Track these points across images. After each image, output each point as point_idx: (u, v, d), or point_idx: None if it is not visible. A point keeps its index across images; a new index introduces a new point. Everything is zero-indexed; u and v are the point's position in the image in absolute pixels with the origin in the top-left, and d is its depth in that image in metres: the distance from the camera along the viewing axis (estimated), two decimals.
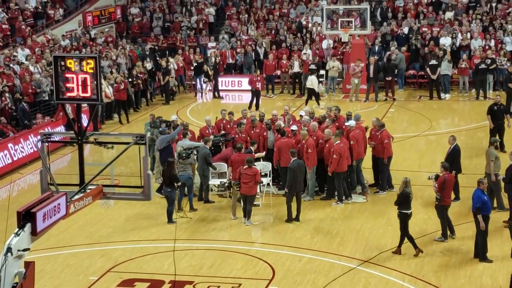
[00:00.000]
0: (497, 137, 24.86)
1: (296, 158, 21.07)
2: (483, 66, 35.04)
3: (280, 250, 18.81)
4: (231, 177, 21.13)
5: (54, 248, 19.15)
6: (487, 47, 37.70)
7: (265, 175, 22.29)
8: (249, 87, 35.69)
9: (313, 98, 34.97)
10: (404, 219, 18.15)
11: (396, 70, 36.84)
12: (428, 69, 35.86)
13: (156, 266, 18.07)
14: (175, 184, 20.52)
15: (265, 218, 21.09)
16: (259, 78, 35.32)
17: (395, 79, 37.02)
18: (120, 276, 17.53)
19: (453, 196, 20.15)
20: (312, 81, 34.84)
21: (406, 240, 18.30)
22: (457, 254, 18.16)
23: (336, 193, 22.03)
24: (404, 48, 38.17)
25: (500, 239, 18.15)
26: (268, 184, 22.41)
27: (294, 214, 20.73)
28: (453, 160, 21.33)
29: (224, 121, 24.92)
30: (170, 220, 20.75)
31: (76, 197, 12.06)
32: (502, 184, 20.43)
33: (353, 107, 33.87)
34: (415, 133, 29.48)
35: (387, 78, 36.18)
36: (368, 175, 23.43)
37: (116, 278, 17.45)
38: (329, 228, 20.30)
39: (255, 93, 35.02)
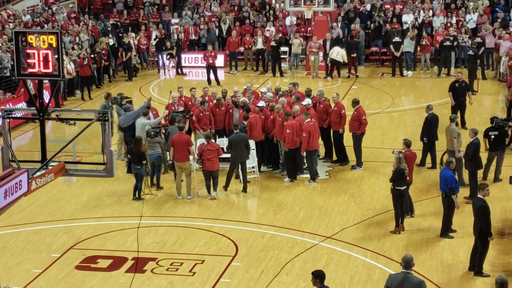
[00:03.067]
0: (458, 114, 25.06)
1: (238, 131, 21.29)
2: (448, 43, 35.21)
3: (243, 227, 18.87)
4: (173, 158, 20.88)
5: (16, 225, 19.05)
6: (449, 25, 37.93)
7: None
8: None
9: (335, 69, 35.80)
10: (397, 195, 18.15)
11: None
12: (391, 46, 36.00)
13: (119, 243, 18.04)
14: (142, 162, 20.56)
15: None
16: (213, 54, 35.27)
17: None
18: (83, 253, 17.48)
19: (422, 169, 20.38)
20: (339, 53, 35.14)
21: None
22: (418, 230, 18.33)
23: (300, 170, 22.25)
24: (353, 25, 38.11)
25: (461, 215, 18.34)
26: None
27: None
28: (429, 128, 22.19)
29: (183, 98, 24.65)
30: (138, 197, 20.72)
31: (38, 173, 11.99)
32: (463, 160, 20.64)
33: (315, 84, 33.93)
34: (378, 110, 29.63)
35: (351, 55, 36.32)
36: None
37: (79, 255, 17.40)
38: (292, 204, 20.38)
39: (210, 68, 35.03)
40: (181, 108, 23.64)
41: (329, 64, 35.83)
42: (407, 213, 18.87)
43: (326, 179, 22.14)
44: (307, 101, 22.65)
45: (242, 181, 21.35)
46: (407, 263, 12.67)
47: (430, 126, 22.39)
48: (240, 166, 21.37)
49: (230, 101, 23.78)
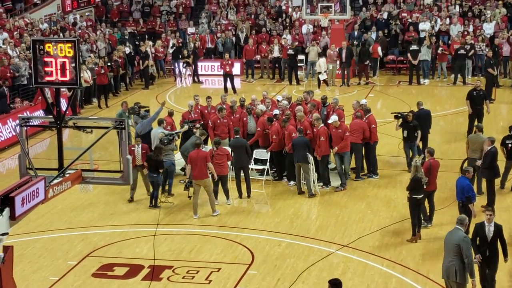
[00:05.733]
0: (475, 123, 24.97)
1: (239, 136, 21.66)
2: (462, 51, 35.18)
3: (259, 235, 18.85)
4: (190, 176, 20.51)
5: (33, 232, 19.10)
6: (465, 33, 37.85)
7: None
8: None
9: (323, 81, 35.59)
10: (414, 204, 18.08)
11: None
12: (409, 54, 35.96)
13: (135, 251, 18.06)
14: (160, 170, 20.58)
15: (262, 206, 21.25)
16: (229, 62, 35.39)
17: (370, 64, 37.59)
18: (100, 261, 17.51)
19: None
20: (319, 65, 35.10)
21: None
22: (436, 239, 18.23)
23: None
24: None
25: None
26: (266, 171, 22.67)
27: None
28: (418, 122, 22.91)
29: (199, 106, 24.61)
30: (155, 204, 20.74)
31: (55, 181, 12.02)
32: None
33: (332, 92, 33.92)
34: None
35: (365, 63, 36.40)
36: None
37: (95, 262, 17.43)
38: (308, 213, 20.37)
39: (227, 76, 35.15)
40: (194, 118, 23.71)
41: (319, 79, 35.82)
42: (427, 222, 18.80)
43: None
44: (334, 118, 22.10)
45: (246, 187, 21.51)
46: (459, 220, 14.26)
47: (420, 121, 22.93)
48: (243, 171, 21.46)
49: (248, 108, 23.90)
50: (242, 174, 21.51)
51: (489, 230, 14.88)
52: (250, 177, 21.86)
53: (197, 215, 20.18)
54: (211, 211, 20.22)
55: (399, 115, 22.89)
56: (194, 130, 22.49)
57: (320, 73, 35.19)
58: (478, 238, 14.96)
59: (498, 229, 14.96)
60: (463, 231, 14.09)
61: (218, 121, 23.17)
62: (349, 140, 21.78)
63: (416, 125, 22.59)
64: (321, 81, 35.40)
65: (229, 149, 21.96)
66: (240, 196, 21.40)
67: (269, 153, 22.40)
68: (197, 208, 20.23)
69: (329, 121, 22.10)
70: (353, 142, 22.16)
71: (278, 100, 24.88)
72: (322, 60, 35.29)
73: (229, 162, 21.01)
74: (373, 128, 22.51)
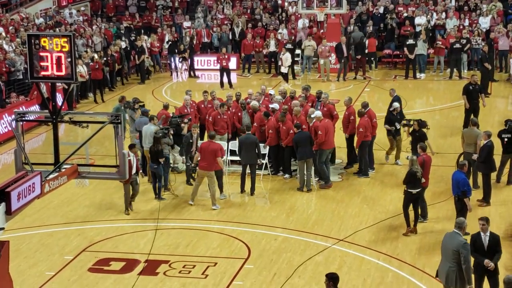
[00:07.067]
0: (472, 117, 24.97)
1: (249, 133, 21.55)
2: (457, 45, 35.16)
3: (255, 229, 18.85)
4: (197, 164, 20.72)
5: (29, 227, 19.08)
6: (461, 27, 37.84)
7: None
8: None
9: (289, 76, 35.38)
10: (409, 198, 18.07)
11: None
12: (405, 49, 35.93)
13: (131, 246, 18.06)
14: (160, 160, 20.58)
15: (262, 200, 21.25)
16: (226, 56, 35.36)
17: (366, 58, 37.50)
18: (96, 256, 17.51)
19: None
20: (288, 59, 35.01)
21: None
22: (432, 233, 18.27)
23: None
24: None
25: (474, 218, 18.20)
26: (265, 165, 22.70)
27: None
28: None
29: (194, 102, 24.60)
30: (159, 196, 20.81)
31: (51, 176, 12.00)
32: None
33: (327, 87, 33.88)
34: None
35: (358, 57, 36.42)
36: (343, 155, 23.62)
37: (91, 257, 17.42)
38: (304, 207, 20.37)
39: (224, 71, 35.11)
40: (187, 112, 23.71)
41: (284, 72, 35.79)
42: (423, 217, 18.80)
43: (338, 182, 22.09)
44: (317, 113, 22.09)
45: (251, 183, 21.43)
46: (457, 223, 13.99)
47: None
48: (250, 168, 21.42)
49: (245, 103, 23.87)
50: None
51: (485, 240, 14.46)
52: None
53: (193, 202, 20.42)
54: (212, 205, 20.34)
55: (408, 123, 22.82)
56: (182, 125, 22.53)
57: (284, 67, 35.16)
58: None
59: (494, 239, 14.51)
60: (461, 235, 13.82)
61: (219, 117, 23.13)
62: (324, 138, 21.27)
63: (422, 134, 21.85)
64: (283, 75, 35.51)
65: (225, 144, 22.01)
66: (242, 191, 21.38)
67: (267, 147, 22.41)
68: (195, 196, 20.47)
69: (312, 116, 22.00)
70: (365, 140, 22.24)
71: (270, 94, 24.86)
72: (289, 55, 35.21)
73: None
74: (374, 122, 22.51)
